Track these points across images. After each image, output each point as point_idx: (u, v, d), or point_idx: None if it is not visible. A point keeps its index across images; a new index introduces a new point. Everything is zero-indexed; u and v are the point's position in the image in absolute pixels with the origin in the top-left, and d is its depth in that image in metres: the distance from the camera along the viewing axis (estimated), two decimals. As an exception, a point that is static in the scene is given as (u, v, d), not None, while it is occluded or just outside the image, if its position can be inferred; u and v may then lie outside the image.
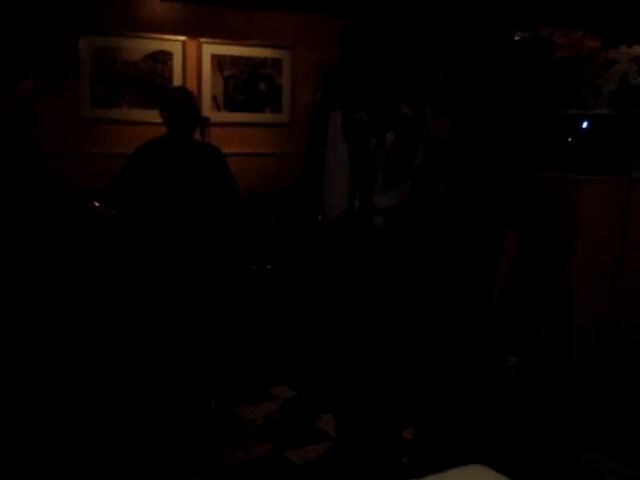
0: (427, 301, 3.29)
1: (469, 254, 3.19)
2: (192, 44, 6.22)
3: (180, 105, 4.04)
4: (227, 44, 6.36)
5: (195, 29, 6.20)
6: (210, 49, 6.29)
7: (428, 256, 3.29)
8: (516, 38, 5.77)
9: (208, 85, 6.31)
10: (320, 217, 4.11)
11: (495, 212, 3.15)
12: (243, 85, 6.48)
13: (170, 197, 4.01)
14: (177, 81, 6.10)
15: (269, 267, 5.46)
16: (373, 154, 3.37)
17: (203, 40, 6.25)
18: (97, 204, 5.22)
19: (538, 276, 3.88)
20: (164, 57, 6.12)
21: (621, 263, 3.80)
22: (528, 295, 3.92)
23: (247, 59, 6.47)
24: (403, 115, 3.44)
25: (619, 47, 4.12)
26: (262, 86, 6.57)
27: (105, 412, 4.05)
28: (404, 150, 3.40)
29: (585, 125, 3.76)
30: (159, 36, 6.07)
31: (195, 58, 6.25)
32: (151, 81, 6.06)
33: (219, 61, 6.34)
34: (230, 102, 6.43)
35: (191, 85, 6.14)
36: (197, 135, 4.08)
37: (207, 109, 6.24)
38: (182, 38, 6.15)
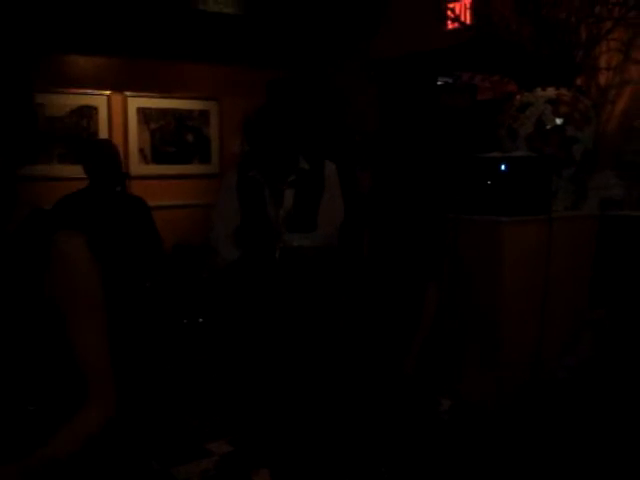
0: (350, 353, 3.29)
1: (390, 307, 3.20)
2: (117, 98, 6.20)
3: (105, 158, 4.00)
4: (153, 97, 6.36)
5: (120, 83, 6.19)
6: (136, 102, 6.28)
7: (350, 308, 3.29)
8: (439, 83, 5.90)
9: (135, 138, 6.28)
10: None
11: (417, 267, 3.18)
12: (170, 137, 6.47)
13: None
14: (103, 135, 6.07)
15: (201, 320, 5.40)
16: (271, 215, 3.34)
17: (128, 94, 6.24)
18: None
19: (466, 318, 3.90)
20: (89, 112, 6.08)
21: (546, 302, 3.85)
22: (458, 338, 3.94)
23: (173, 111, 6.47)
24: (300, 170, 3.40)
25: (534, 90, 4.22)
26: (189, 137, 6.58)
27: None
28: (303, 207, 3.37)
29: (503, 167, 3.82)
30: (83, 91, 6.03)
31: (121, 111, 6.23)
32: (77, 136, 6.00)
33: (145, 114, 6.33)
34: (157, 154, 6.41)
35: (117, 138, 6.10)
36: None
37: (134, 162, 6.21)
38: (107, 92, 6.13)
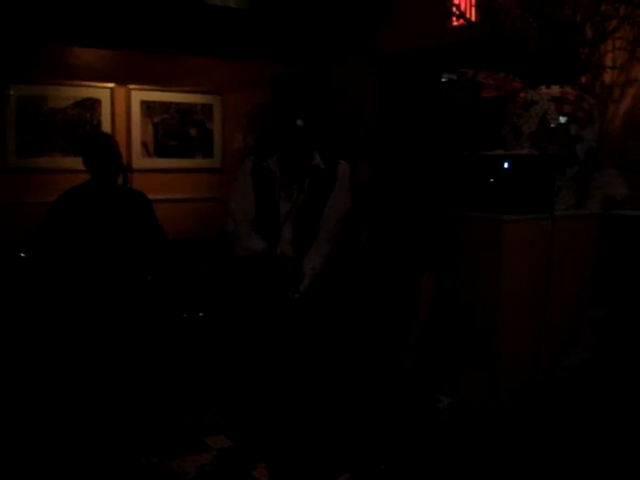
0: (348, 346, 3.28)
1: (385, 300, 3.19)
2: (120, 91, 6.19)
3: (101, 151, 4.01)
4: (156, 90, 6.35)
5: (123, 76, 6.18)
6: (139, 95, 6.27)
7: (347, 302, 3.28)
8: (442, 80, 5.87)
9: (138, 131, 6.28)
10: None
11: (411, 258, 3.16)
12: (173, 131, 6.46)
13: (94, 244, 3.95)
14: (106, 128, 6.05)
15: (201, 314, 5.39)
16: (280, 208, 3.36)
17: (132, 86, 6.22)
18: (23, 255, 5.10)
19: (465, 316, 3.89)
20: (92, 104, 6.08)
21: (547, 301, 3.83)
22: (457, 335, 3.93)
23: (177, 105, 6.46)
24: (314, 167, 3.42)
25: (538, 88, 4.20)
26: (193, 131, 6.57)
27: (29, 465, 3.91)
28: (313, 204, 3.39)
29: (506, 165, 3.81)
30: (87, 83, 6.02)
31: (124, 104, 6.22)
32: (80, 128, 5.99)
33: (148, 107, 6.32)
34: (160, 148, 6.40)
35: (120, 131, 6.10)
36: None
37: (137, 155, 6.20)
38: (110, 85, 6.12)
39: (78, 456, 3.91)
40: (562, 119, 4.11)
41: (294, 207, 3.36)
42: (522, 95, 4.27)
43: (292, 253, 3.36)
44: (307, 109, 3.36)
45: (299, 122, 3.23)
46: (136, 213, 4.13)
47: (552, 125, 4.10)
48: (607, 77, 4.52)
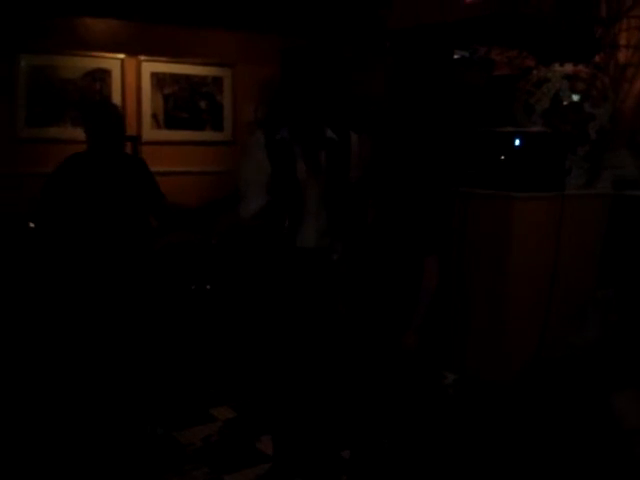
0: (354, 323, 3.28)
1: (391, 282, 3.19)
2: (131, 62, 6.15)
3: (101, 118, 3.98)
4: (167, 62, 6.31)
5: (134, 47, 6.14)
6: (149, 67, 6.23)
7: (354, 277, 3.28)
8: (455, 56, 5.83)
9: (148, 103, 6.24)
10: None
11: (416, 242, 3.16)
12: (183, 103, 6.43)
13: (95, 209, 3.94)
14: (116, 99, 6.02)
15: (208, 287, 5.39)
16: (303, 178, 3.33)
17: (142, 58, 6.19)
18: (32, 225, 5.10)
19: (473, 294, 3.89)
20: (103, 75, 6.04)
21: (555, 279, 3.83)
22: (465, 312, 3.93)
23: (187, 77, 6.42)
24: (329, 139, 3.40)
25: (551, 65, 4.18)
26: (203, 104, 6.53)
27: (36, 435, 3.94)
28: (337, 171, 3.37)
29: (517, 142, 3.79)
30: (97, 54, 5.99)
31: (134, 76, 6.18)
32: (90, 99, 5.97)
33: (159, 79, 6.29)
34: (170, 120, 6.37)
35: (130, 103, 6.08)
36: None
37: (147, 127, 6.18)
38: (121, 56, 6.08)
39: (84, 428, 3.95)
40: (575, 97, 4.08)
41: (320, 176, 3.32)
42: (535, 72, 4.24)
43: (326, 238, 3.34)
44: (318, 83, 3.34)
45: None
46: (136, 179, 4.09)
47: (565, 103, 4.07)
48: (621, 56, 4.48)
